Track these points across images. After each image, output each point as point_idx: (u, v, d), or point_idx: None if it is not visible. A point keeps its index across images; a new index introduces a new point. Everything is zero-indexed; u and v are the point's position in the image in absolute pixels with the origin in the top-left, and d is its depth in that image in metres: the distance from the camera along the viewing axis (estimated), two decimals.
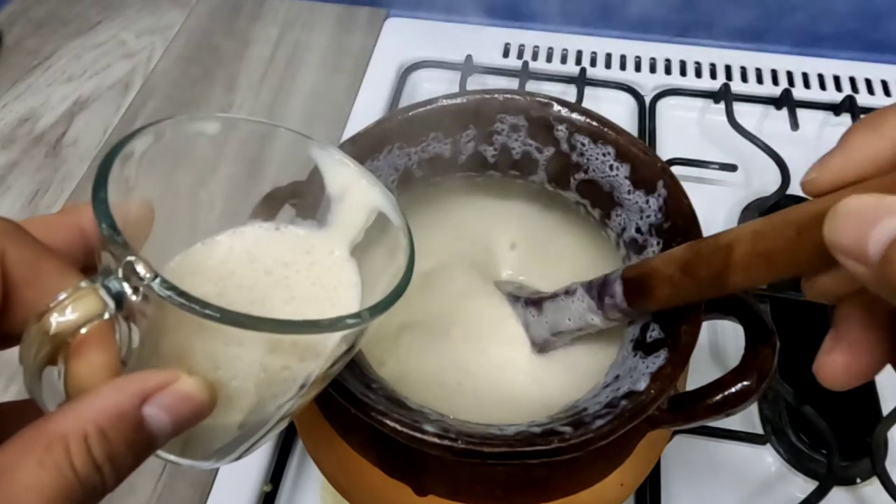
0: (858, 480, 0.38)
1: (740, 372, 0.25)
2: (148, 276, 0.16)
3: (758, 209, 0.49)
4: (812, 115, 0.56)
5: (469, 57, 0.58)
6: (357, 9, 0.66)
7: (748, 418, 0.41)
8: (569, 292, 0.31)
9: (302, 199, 0.25)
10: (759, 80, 0.58)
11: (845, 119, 0.55)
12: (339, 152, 0.24)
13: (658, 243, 0.29)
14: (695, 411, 0.26)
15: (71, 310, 0.16)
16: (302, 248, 0.24)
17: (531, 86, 0.57)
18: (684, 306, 0.26)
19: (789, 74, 0.59)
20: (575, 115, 0.32)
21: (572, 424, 0.24)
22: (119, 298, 0.17)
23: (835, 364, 0.19)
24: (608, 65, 0.60)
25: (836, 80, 0.58)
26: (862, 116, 0.54)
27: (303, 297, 0.22)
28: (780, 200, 0.48)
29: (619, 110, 0.57)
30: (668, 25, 0.62)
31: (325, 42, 0.64)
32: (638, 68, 0.60)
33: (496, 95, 0.32)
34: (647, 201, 0.30)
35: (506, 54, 0.61)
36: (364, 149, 0.31)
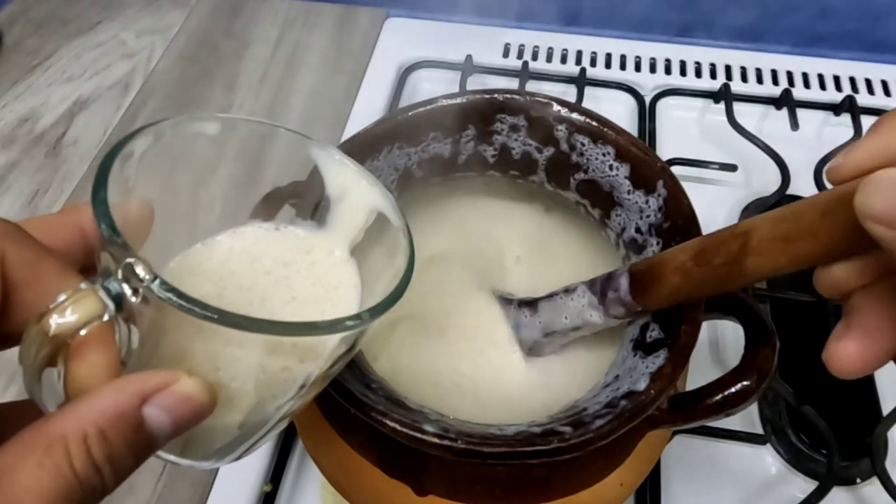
0: (858, 480, 0.38)
1: (740, 372, 0.25)
2: (147, 277, 0.16)
3: (758, 209, 0.49)
4: (812, 115, 0.56)
5: (469, 57, 0.58)
6: (357, 9, 0.66)
7: (748, 418, 0.41)
8: (568, 290, 0.31)
9: (302, 199, 0.25)
10: (759, 80, 0.58)
11: (845, 119, 0.55)
12: (338, 152, 0.24)
13: (658, 243, 0.29)
14: (695, 411, 0.26)
15: (71, 311, 0.16)
16: (302, 249, 0.24)
17: (531, 86, 0.57)
18: (684, 305, 0.26)
19: (789, 74, 0.59)
20: (575, 115, 0.32)
21: (572, 424, 0.24)
22: (119, 300, 0.17)
23: (847, 351, 0.19)
24: (608, 65, 0.60)
25: (836, 80, 0.58)
26: (862, 117, 0.54)
27: (303, 298, 0.22)
28: (780, 200, 0.48)
29: (619, 110, 0.57)
30: (668, 25, 0.62)
31: (325, 42, 0.64)
32: (638, 68, 0.60)
33: (496, 95, 0.32)
34: (647, 201, 0.30)
35: (506, 54, 0.61)
36: (364, 149, 0.31)
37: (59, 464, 0.15)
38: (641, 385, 0.25)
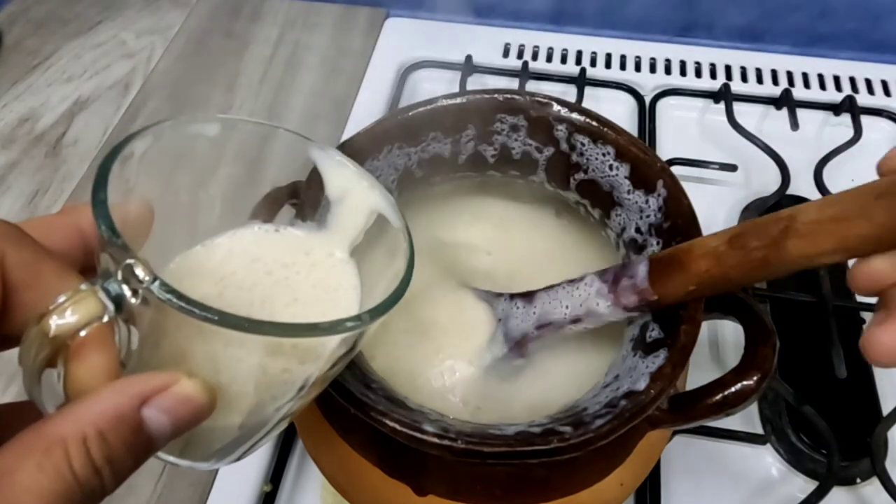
0: (858, 480, 0.38)
1: (740, 372, 0.25)
2: (147, 278, 0.16)
3: (758, 209, 0.49)
4: (812, 115, 0.56)
5: (469, 57, 0.58)
6: (357, 9, 0.66)
7: (748, 418, 0.41)
8: (573, 281, 0.29)
9: (301, 200, 0.25)
10: (759, 80, 0.58)
11: (845, 119, 0.55)
12: (338, 154, 0.24)
13: (658, 243, 0.29)
14: (694, 411, 0.26)
15: (70, 312, 0.16)
16: (302, 250, 0.24)
17: (531, 86, 0.57)
18: (684, 305, 0.26)
19: (789, 74, 0.59)
20: (575, 115, 0.32)
21: (572, 424, 0.24)
22: (118, 301, 0.17)
23: (886, 339, 0.19)
24: (608, 65, 0.60)
25: (836, 80, 0.58)
26: (862, 117, 0.54)
27: (304, 299, 0.22)
28: (781, 200, 0.48)
29: (619, 110, 0.57)
30: (668, 25, 0.62)
31: (325, 42, 0.64)
32: (638, 68, 0.60)
33: (496, 95, 0.32)
34: (647, 201, 0.30)
35: (506, 54, 0.61)
36: (364, 149, 0.31)
37: (59, 465, 0.15)
38: (641, 385, 0.25)
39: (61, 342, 0.16)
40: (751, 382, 0.24)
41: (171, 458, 0.21)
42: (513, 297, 0.32)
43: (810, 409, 0.37)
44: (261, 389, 0.19)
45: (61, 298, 0.16)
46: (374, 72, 0.60)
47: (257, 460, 0.39)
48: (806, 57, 0.60)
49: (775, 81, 0.58)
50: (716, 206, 0.51)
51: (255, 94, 0.59)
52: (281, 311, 0.22)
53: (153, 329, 0.18)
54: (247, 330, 0.16)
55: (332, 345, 0.19)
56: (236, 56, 0.62)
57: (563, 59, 0.61)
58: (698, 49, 0.61)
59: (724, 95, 0.55)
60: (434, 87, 0.60)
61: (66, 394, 0.17)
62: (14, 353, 0.17)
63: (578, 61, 0.60)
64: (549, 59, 0.61)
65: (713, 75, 0.59)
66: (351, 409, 0.24)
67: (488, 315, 0.33)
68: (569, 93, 0.57)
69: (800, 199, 0.49)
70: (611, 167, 0.31)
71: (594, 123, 0.31)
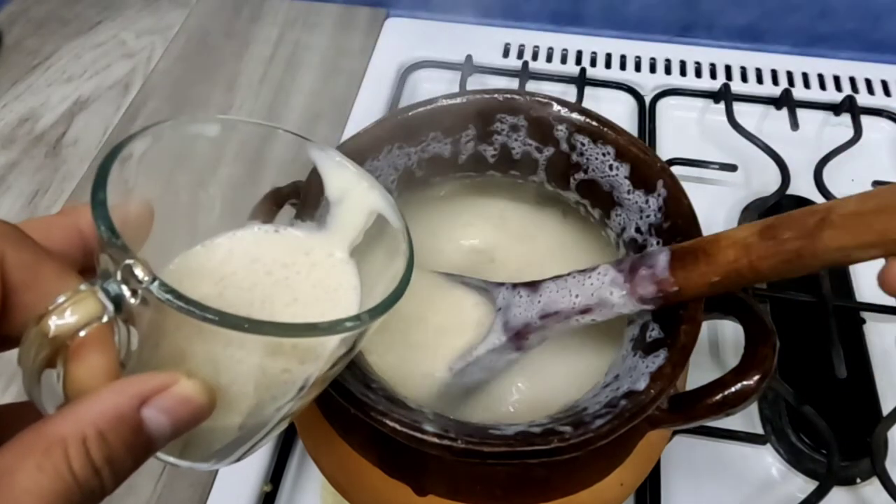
0: (858, 480, 0.38)
1: (740, 372, 0.25)
2: (146, 279, 0.16)
3: (758, 209, 0.49)
4: (812, 115, 0.56)
5: (469, 57, 0.58)
6: (357, 9, 0.66)
7: (748, 418, 0.41)
8: (585, 270, 0.28)
9: (301, 200, 0.25)
10: (759, 80, 0.58)
11: (845, 119, 0.55)
12: (338, 154, 0.24)
13: (658, 243, 0.29)
14: (695, 411, 0.26)
15: (70, 313, 0.16)
16: (302, 250, 0.24)
17: (531, 86, 0.57)
18: (684, 305, 0.26)
19: (789, 74, 0.59)
20: (575, 115, 0.32)
21: (572, 424, 0.24)
22: (118, 301, 0.17)
23: None
24: (608, 65, 0.60)
25: (836, 80, 0.58)
26: (862, 117, 0.54)
27: (304, 299, 0.22)
28: (781, 200, 0.48)
29: (619, 110, 0.57)
30: (668, 25, 0.62)
31: (325, 42, 0.64)
32: (638, 68, 0.60)
33: (496, 95, 0.32)
34: (647, 201, 0.30)
35: (506, 54, 0.61)
36: (364, 149, 0.31)
37: (58, 466, 0.15)
38: (641, 385, 0.25)
39: (61, 342, 0.16)
40: (751, 382, 0.24)
41: (171, 459, 0.21)
42: (515, 285, 0.31)
43: (810, 409, 0.37)
44: (261, 390, 0.19)
45: (61, 299, 0.16)
46: (374, 72, 0.60)
47: (257, 460, 0.39)
48: (806, 57, 0.60)
49: (775, 81, 0.58)
50: (716, 206, 0.51)
51: (255, 94, 0.59)
52: (281, 312, 0.22)
53: (153, 329, 0.18)
54: (246, 330, 0.16)
55: (331, 345, 0.19)
56: (236, 56, 0.62)
57: (563, 59, 0.61)
58: (698, 49, 0.61)
59: (724, 95, 0.55)
60: (434, 87, 0.60)
61: (65, 394, 0.17)
62: (14, 353, 0.17)
63: (578, 61, 0.60)
64: (549, 59, 0.61)
65: (713, 75, 0.59)
66: (351, 409, 0.24)
67: (489, 315, 0.32)
68: (569, 93, 0.57)
69: (800, 199, 0.49)
70: (611, 167, 0.31)
71: (594, 123, 0.31)
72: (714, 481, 0.39)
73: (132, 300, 0.16)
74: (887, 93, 0.57)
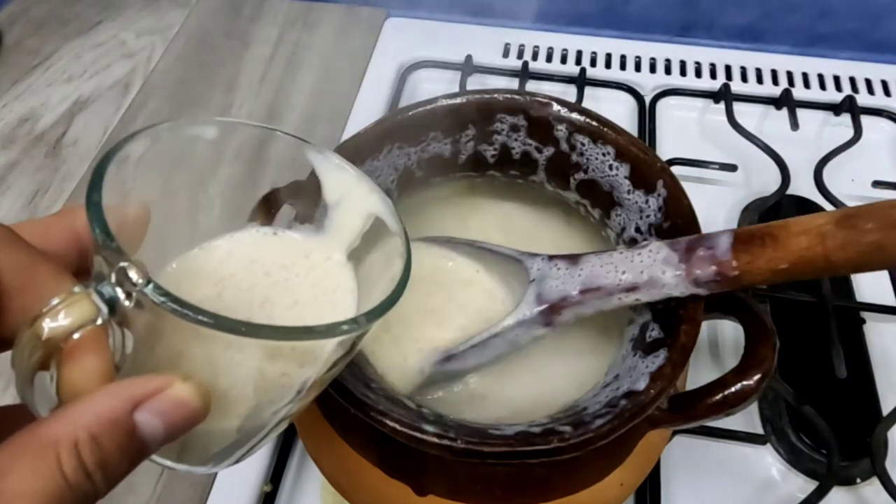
0: (858, 480, 0.38)
1: (740, 372, 0.25)
2: (141, 281, 0.16)
3: (758, 209, 0.49)
4: (812, 115, 0.56)
5: (469, 57, 0.58)
6: (357, 9, 0.66)
7: (748, 418, 0.41)
8: (634, 247, 0.27)
9: (299, 202, 0.25)
10: (759, 80, 0.58)
11: (845, 119, 0.55)
12: (336, 157, 0.24)
13: None
14: (695, 411, 0.26)
15: (64, 315, 0.16)
16: (300, 253, 0.24)
17: (531, 86, 0.57)
18: (684, 305, 0.26)
19: (789, 74, 0.59)
20: (575, 115, 0.32)
21: (572, 424, 0.24)
22: (112, 304, 0.16)
23: None
24: (608, 65, 0.60)
25: (836, 80, 0.58)
26: (862, 117, 0.54)
27: (303, 302, 0.22)
28: (781, 200, 0.48)
29: (619, 110, 0.57)
30: (668, 25, 0.62)
31: (325, 42, 0.64)
32: (638, 68, 0.60)
33: (496, 95, 0.32)
34: (647, 201, 0.30)
35: (506, 54, 0.61)
36: (364, 149, 0.31)
37: (51, 469, 0.15)
38: (641, 385, 0.25)
39: (54, 345, 0.16)
40: (751, 382, 0.24)
41: (168, 463, 0.21)
42: (552, 257, 0.30)
43: (810, 409, 0.37)
44: (259, 393, 0.19)
45: (55, 301, 0.16)
46: (374, 72, 0.60)
47: (257, 460, 0.39)
48: (806, 57, 0.60)
49: (775, 81, 0.58)
50: (716, 206, 0.51)
51: (255, 94, 0.59)
52: (281, 314, 0.22)
53: (148, 332, 0.18)
54: (242, 333, 0.16)
55: (329, 347, 0.19)
56: (236, 56, 0.62)
57: (563, 59, 0.61)
58: (698, 49, 0.61)
59: (724, 95, 0.55)
60: (434, 87, 0.60)
61: (59, 397, 0.17)
62: (10, 355, 0.17)
63: (578, 61, 0.60)
64: (549, 59, 0.61)
65: (713, 75, 0.59)
66: (351, 409, 0.24)
67: (510, 295, 0.31)
68: (569, 93, 0.57)
69: (800, 199, 0.49)
70: (611, 167, 0.31)
71: (594, 123, 0.31)
72: (714, 481, 0.39)
73: (126, 303, 0.16)
74: (887, 93, 0.57)
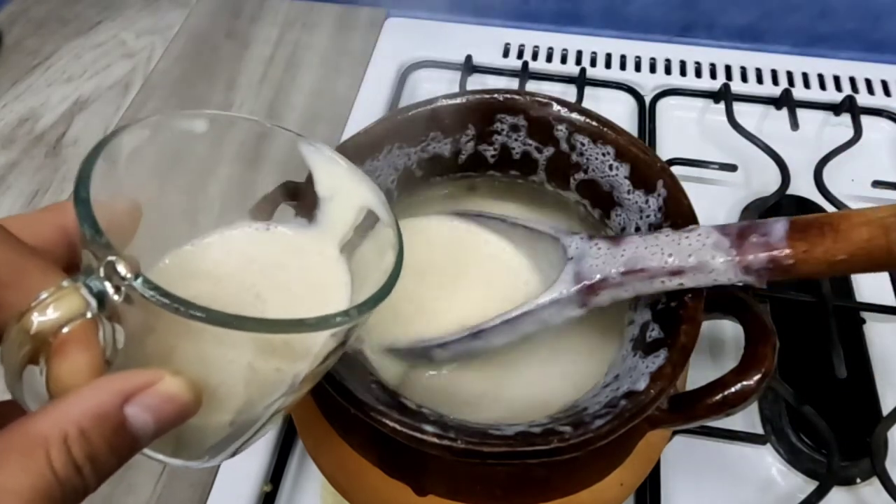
0: (858, 480, 0.38)
1: (740, 372, 0.25)
2: (129, 275, 0.16)
3: (758, 209, 0.49)
4: (812, 115, 0.56)
5: (469, 57, 0.58)
6: (357, 9, 0.66)
7: (748, 418, 0.41)
8: (680, 230, 0.26)
9: (292, 197, 0.25)
10: (759, 80, 0.58)
11: (845, 119, 0.55)
12: (329, 149, 0.24)
13: None
14: (695, 411, 0.26)
15: (52, 309, 0.16)
16: (292, 247, 0.24)
17: (531, 86, 0.57)
18: (684, 305, 0.26)
19: (789, 74, 0.59)
20: (574, 115, 0.32)
21: (572, 424, 0.24)
22: (101, 298, 0.16)
23: None
24: (608, 65, 0.60)
25: (836, 80, 0.58)
26: (862, 117, 0.54)
27: (296, 296, 0.22)
28: (781, 200, 0.48)
29: (619, 110, 0.57)
30: (668, 25, 0.62)
31: (325, 42, 0.64)
32: (638, 68, 0.60)
33: (496, 95, 0.32)
34: (647, 201, 0.30)
35: (506, 54, 0.61)
36: (364, 149, 0.31)
37: (40, 464, 0.15)
38: (641, 385, 0.25)
39: (43, 339, 0.16)
40: (751, 382, 0.24)
41: (162, 457, 0.20)
42: (592, 236, 0.29)
43: (810, 409, 0.37)
44: (251, 387, 0.19)
45: (43, 295, 0.16)
46: (374, 72, 0.60)
47: (257, 460, 0.39)
48: (806, 57, 0.60)
49: (775, 81, 0.58)
50: (716, 206, 0.51)
51: (255, 94, 0.59)
52: (274, 308, 0.22)
53: (139, 327, 0.18)
54: (233, 326, 0.16)
55: (321, 340, 0.19)
56: (236, 56, 0.62)
57: (563, 59, 0.61)
58: (698, 49, 0.61)
59: (724, 95, 0.55)
60: (434, 87, 0.60)
61: (48, 391, 0.17)
62: None
63: (578, 61, 0.60)
64: (549, 59, 0.61)
65: (713, 75, 0.59)
66: (351, 409, 0.24)
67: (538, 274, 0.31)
68: (569, 93, 0.57)
69: (800, 199, 0.49)
70: (611, 167, 0.31)
71: (594, 123, 0.31)
72: (714, 481, 0.39)
73: (115, 297, 0.16)
74: (887, 93, 0.57)
